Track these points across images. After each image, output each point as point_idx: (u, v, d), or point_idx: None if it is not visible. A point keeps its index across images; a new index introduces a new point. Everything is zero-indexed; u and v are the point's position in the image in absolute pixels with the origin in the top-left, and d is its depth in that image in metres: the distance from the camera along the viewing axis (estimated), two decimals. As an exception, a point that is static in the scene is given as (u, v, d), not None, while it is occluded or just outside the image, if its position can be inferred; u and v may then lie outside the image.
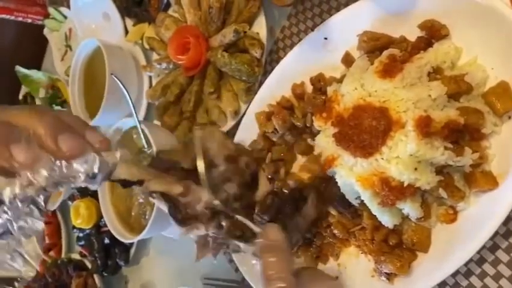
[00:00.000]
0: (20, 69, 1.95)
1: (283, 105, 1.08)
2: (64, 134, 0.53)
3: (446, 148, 0.77)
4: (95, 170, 0.55)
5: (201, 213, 0.69)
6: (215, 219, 0.69)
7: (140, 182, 0.64)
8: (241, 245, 0.70)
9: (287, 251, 0.68)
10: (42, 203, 0.53)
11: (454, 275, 0.83)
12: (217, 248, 0.73)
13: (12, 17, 1.91)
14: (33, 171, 0.51)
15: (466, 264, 0.81)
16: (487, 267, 0.82)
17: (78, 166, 0.54)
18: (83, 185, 0.56)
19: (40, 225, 0.52)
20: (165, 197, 0.68)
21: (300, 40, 1.11)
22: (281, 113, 1.05)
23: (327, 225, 0.96)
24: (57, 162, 0.52)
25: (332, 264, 0.99)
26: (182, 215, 0.69)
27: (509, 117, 0.78)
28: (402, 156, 0.77)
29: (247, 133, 1.15)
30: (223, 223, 0.69)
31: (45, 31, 1.99)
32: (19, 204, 0.51)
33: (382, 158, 0.79)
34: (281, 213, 0.78)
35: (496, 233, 0.77)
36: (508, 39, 0.78)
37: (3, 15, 1.90)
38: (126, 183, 0.62)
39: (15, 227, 0.51)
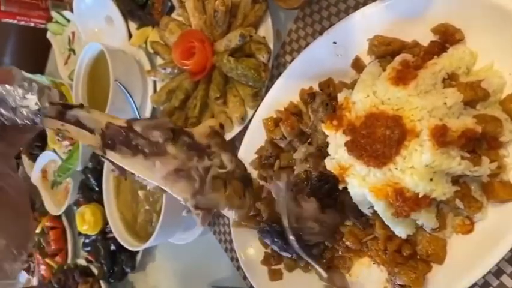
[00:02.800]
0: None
1: (291, 111, 1.06)
2: None
3: (462, 158, 0.74)
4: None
5: None
6: None
7: None
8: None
9: None
10: None
11: (471, 287, 0.81)
12: None
13: (15, 21, 1.90)
14: None
15: (483, 276, 0.78)
16: (506, 279, 0.80)
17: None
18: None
19: None
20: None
21: (307, 44, 1.09)
22: (289, 120, 1.03)
23: (340, 237, 0.94)
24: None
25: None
26: None
27: (529, 125, 0.75)
28: (417, 166, 0.74)
29: (254, 139, 1.13)
30: None
31: (49, 35, 1.98)
32: None
33: (396, 168, 0.77)
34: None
35: (515, 245, 0.74)
36: (525, 44, 0.75)
37: (6, 20, 1.88)
38: None
39: None
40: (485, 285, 0.81)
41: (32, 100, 0.66)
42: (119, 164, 0.70)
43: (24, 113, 0.66)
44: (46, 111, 0.67)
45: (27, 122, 0.66)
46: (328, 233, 0.92)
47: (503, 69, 0.79)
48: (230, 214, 0.75)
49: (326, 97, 0.96)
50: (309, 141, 0.97)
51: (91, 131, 0.69)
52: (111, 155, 0.69)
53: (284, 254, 1.00)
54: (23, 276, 2.18)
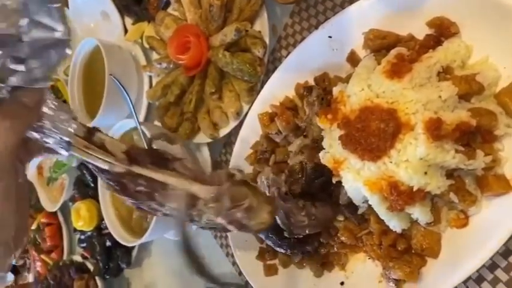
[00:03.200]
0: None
1: (287, 106, 1.06)
2: None
3: (457, 151, 0.74)
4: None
5: None
6: None
7: None
8: None
9: None
10: None
11: (465, 281, 0.80)
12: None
13: (10, 17, 1.88)
14: None
15: (477, 270, 0.78)
16: (500, 273, 0.79)
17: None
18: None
19: None
20: None
21: (303, 38, 1.08)
22: (284, 114, 1.03)
23: (335, 233, 0.94)
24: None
25: (338, 270, 0.97)
26: None
27: (523, 119, 0.75)
28: (412, 159, 0.74)
29: (250, 134, 1.13)
30: None
31: (44, 30, 1.96)
32: None
33: (391, 162, 0.76)
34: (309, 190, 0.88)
35: (510, 238, 0.74)
36: (521, 37, 0.74)
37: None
38: None
39: None
40: (480, 279, 0.81)
41: (65, 120, 0.64)
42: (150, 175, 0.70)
43: (57, 137, 0.64)
44: (75, 131, 0.65)
45: (59, 143, 0.64)
46: (319, 226, 0.91)
47: (498, 62, 0.79)
48: None
49: (322, 91, 0.96)
50: (304, 134, 0.96)
51: (113, 154, 0.69)
52: (138, 169, 0.69)
53: (278, 249, 1.00)
54: (11, 275, 2.17)
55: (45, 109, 0.62)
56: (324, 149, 0.87)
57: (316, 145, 0.91)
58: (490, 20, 0.79)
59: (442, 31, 0.83)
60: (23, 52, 0.54)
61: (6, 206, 0.59)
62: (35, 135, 0.63)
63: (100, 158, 0.67)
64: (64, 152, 0.65)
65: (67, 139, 0.64)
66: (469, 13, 0.81)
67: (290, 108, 1.05)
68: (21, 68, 0.55)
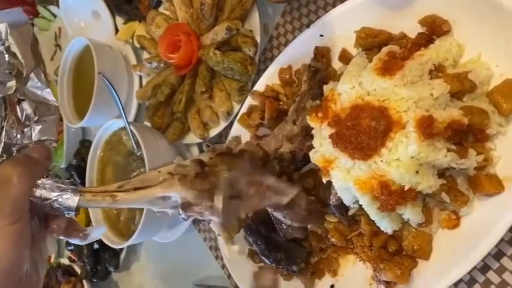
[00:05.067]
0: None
1: (267, 95, 1.05)
2: None
3: (449, 150, 0.72)
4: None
5: None
6: None
7: None
8: None
9: None
10: None
11: (456, 283, 0.79)
12: None
13: (1, 16, 1.86)
14: None
15: (469, 272, 0.76)
16: (492, 275, 0.78)
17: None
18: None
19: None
20: None
21: (295, 38, 1.07)
22: (269, 104, 1.01)
23: (325, 235, 0.92)
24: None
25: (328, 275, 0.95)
26: None
27: (516, 118, 0.74)
28: (403, 158, 0.73)
29: (241, 134, 1.11)
30: None
31: (35, 30, 1.94)
32: None
33: (381, 161, 0.75)
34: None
35: (501, 240, 0.73)
36: (513, 35, 0.73)
37: (-9, 14, 1.85)
38: None
39: None
40: (471, 281, 0.80)
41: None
42: None
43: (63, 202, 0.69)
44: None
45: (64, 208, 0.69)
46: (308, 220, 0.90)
47: (490, 60, 0.78)
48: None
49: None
50: (294, 120, 0.93)
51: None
52: None
53: (264, 259, 0.98)
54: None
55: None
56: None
57: (307, 133, 0.88)
58: (482, 18, 0.78)
59: (434, 29, 0.82)
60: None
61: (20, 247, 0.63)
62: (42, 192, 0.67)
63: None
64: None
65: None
66: (461, 11, 0.80)
67: (271, 96, 1.04)
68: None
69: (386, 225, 0.81)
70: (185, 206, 0.77)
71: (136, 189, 0.75)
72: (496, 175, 0.74)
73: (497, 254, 0.77)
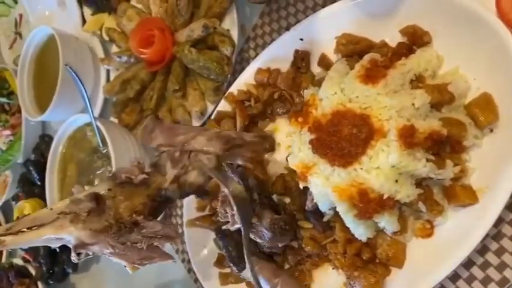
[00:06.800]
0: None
1: (239, 99, 1.03)
2: None
3: (428, 160, 0.73)
4: None
5: None
6: None
7: None
8: None
9: None
10: None
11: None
12: None
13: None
14: None
15: (440, 282, 0.77)
16: (461, 284, 0.79)
17: None
18: None
19: None
20: None
21: (272, 40, 1.06)
22: (240, 110, 1.00)
23: (301, 247, 0.90)
24: None
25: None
26: None
27: (491, 130, 0.76)
28: (383, 167, 0.72)
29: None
30: None
31: (-7, 16, 1.84)
32: None
33: (361, 168, 0.74)
34: None
35: (473, 250, 0.74)
36: (491, 49, 0.75)
37: None
38: None
39: None
40: (441, 290, 0.81)
41: None
42: None
43: None
44: None
45: None
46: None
47: (468, 73, 0.79)
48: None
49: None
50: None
51: None
52: None
53: (232, 266, 0.96)
54: None
55: None
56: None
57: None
58: (462, 31, 0.79)
59: (415, 40, 0.83)
60: None
61: None
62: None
63: None
64: None
65: None
66: (441, 23, 0.82)
67: (242, 100, 1.03)
68: None
69: (361, 232, 0.81)
70: (79, 246, 0.75)
71: (28, 228, 0.74)
72: (470, 186, 0.76)
73: (467, 263, 0.78)
